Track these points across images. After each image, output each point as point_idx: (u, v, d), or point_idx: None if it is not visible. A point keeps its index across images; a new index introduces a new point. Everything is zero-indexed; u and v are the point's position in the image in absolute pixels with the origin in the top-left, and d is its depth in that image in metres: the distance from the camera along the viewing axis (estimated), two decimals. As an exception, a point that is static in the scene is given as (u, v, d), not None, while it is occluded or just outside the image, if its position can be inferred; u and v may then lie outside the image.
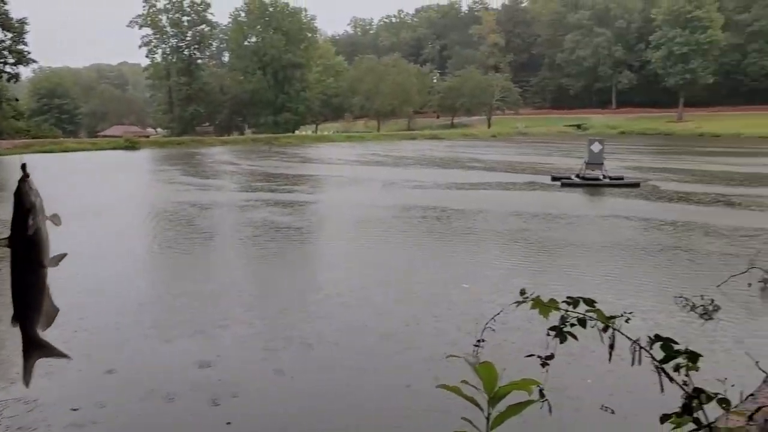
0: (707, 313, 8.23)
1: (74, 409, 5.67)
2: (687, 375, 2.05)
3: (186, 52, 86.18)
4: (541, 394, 1.96)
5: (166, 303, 9.26)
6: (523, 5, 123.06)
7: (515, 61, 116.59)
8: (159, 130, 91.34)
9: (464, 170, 31.73)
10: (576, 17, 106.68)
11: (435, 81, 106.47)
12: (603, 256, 12.23)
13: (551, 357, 2.15)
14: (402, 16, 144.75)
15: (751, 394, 4.88)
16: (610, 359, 2.02)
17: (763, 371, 5.18)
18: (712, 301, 8.37)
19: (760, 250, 11.98)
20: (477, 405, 1.66)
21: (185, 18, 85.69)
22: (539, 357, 2.18)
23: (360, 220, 16.79)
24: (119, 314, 8.45)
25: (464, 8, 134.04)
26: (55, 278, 1.53)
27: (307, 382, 6.32)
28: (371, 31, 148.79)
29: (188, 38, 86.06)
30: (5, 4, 58.53)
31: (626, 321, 1.98)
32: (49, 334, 1.54)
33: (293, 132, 79.71)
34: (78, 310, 8.18)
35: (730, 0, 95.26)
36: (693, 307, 8.39)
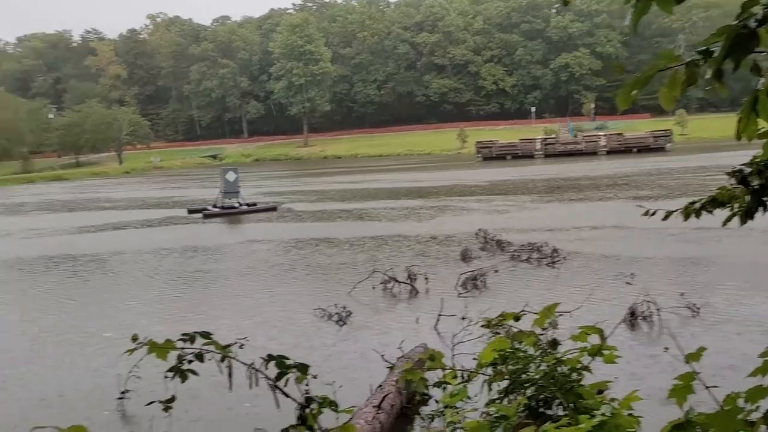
0: (342, 319, 9.05)
1: None
2: (307, 385, 2.19)
3: None
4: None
5: None
6: (141, 36, 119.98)
7: (141, 93, 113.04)
8: None
9: (95, 211, 29.42)
10: (199, 49, 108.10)
11: (51, 117, 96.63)
12: (248, 282, 12.52)
13: (173, 399, 2.08)
14: (1, 45, 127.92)
15: (380, 386, 5.48)
16: (230, 387, 2.04)
17: (388, 362, 5.88)
18: (345, 307, 9.23)
19: (379, 255, 13.67)
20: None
21: None
22: (160, 402, 2.09)
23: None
24: None
25: (76, 38, 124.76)
26: None
27: None
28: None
29: None
30: None
31: (240, 347, 2.02)
32: None
33: None
34: None
35: (334, 36, 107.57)
36: (330, 316, 9.15)
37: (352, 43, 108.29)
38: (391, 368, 3.82)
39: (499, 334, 3.34)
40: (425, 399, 4.91)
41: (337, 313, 9.12)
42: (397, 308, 9.96)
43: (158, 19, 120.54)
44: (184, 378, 1.99)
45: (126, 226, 22.73)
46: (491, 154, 55.23)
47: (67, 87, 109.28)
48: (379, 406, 4.58)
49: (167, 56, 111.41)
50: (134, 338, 2.01)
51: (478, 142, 59.94)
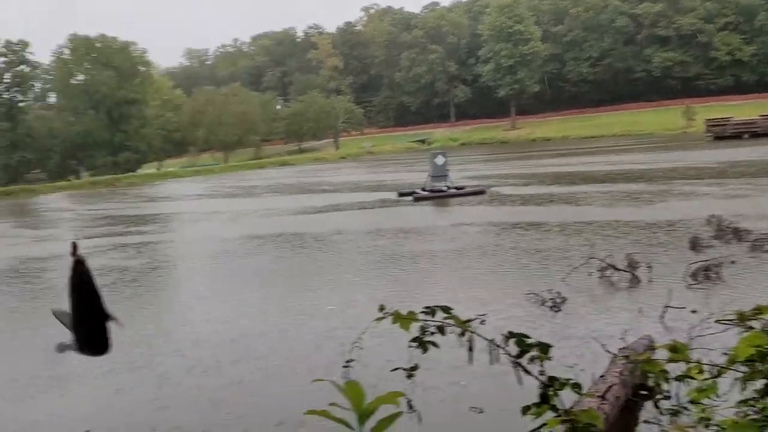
0: (556, 305, 8.79)
1: None
2: (542, 365, 2.14)
3: (5, 96, 79.30)
4: (410, 406, 1.95)
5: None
6: (356, 28, 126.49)
7: (355, 82, 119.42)
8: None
9: (317, 194, 31.81)
10: (409, 36, 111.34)
11: (279, 108, 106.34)
12: (458, 264, 12.70)
13: (416, 368, 2.15)
14: (238, 45, 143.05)
15: (602, 376, 5.24)
16: (470, 361, 2.06)
17: (609, 352, 5.60)
18: (559, 293, 8.95)
19: (594, 241, 13.05)
20: (348, 425, 1.62)
21: (1, 59, 79.12)
22: (404, 369, 2.18)
23: (216, 254, 16.22)
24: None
25: (299, 34, 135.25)
26: None
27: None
28: (207, 62, 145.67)
29: (6, 80, 79.33)
30: None
31: (481, 323, 2.03)
32: None
33: (135, 171, 75.85)
34: None
35: (545, 14, 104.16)
36: (543, 302, 8.93)
37: (564, 19, 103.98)
38: (625, 358, 3.61)
39: (753, 329, 2.99)
40: (662, 392, 4.58)
41: (551, 299, 8.88)
42: (617, 297, 9.43)
43: (371, 11, 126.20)
44: (425, 349, 2.05)
45: (344, 207, 24.27)
46: (724, 133, 49.72)
47: (292, 79, 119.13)
48: (603, 397, 4.37)
49: (380, 45, 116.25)
50: (381, 308, 2.11)
51: (708, 119, 54.36)
